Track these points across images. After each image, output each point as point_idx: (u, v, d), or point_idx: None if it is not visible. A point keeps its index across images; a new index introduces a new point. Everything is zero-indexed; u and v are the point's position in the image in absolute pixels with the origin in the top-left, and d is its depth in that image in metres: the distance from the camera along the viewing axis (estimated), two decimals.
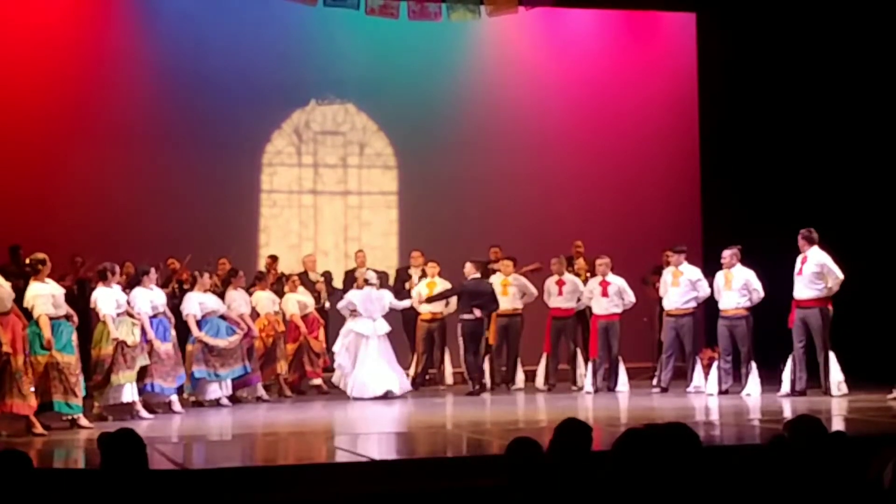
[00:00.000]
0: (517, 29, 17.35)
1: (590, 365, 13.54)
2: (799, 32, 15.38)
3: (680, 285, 13.14)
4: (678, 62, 17.49)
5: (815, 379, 12.01)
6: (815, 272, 11.89)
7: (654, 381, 13.35)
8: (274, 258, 15.11)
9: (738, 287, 12.53)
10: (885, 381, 11.54)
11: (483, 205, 16.44)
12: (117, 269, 11.35)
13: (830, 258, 11.89)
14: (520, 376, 14.20)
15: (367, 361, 13.17)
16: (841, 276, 11.83)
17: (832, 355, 11.87)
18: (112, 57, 15.75)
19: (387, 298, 13.63)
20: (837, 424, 9.38)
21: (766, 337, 12.64)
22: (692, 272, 13.22)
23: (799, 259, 12.03)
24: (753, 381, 12.36)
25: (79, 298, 12.68)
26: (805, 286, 11.94)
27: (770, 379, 12.36)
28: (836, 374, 11.84)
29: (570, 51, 17.32)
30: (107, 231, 14.79)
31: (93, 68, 15.62)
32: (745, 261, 12.68)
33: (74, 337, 10.26)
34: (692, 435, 4.10)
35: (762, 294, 12.49)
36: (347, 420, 11.38)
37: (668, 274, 13.35)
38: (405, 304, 13.99)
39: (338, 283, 15.44)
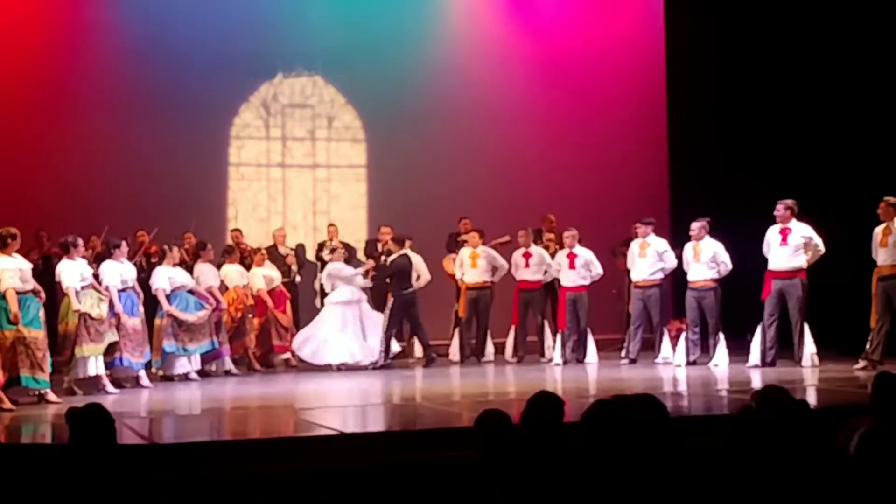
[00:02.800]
0: (485, 1, 17.32)
1: (558, 337, 13.60)
2: (766, 5, 15.42)
3: (647, 257, 13.20)
4: (646, 35, 17.50)
5: (784, 350, 12.08)
6: (800, 243, 11.92)
7: (623, 353, 13.41)
8: (238, 231, 15.04)
9: (706, 259, 12.58)
10: (853, 351, 11.63)
11: (453, 177, 16.43)
12: (80, 241, 11.24)
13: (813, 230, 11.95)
14: (489, 349, 14.22)
15: (330, 329, 13.32)
16: (823, 248, 11.89)
17: (806, 327, 11.94)
18: (79, 30, 15.59)
19: (346, 272, 13.73)
20: (805, 395, 9.45)
21: (733, 308, 12.70)
22: (659, 244, 13.27)
23: (775, 230, 12.01)
24: (721, 352, 12.44)
25: (44, 274, 12.59)
26: (788, 258, 11.95)
27: (738, 350, 12.45)
28: (809, 346, 11.90)
29: (539, 23, 17.29)
30: (73, 205, 14.69)
31: (59, 40, 15.46)
32: (714, 233, 12.73)
33: (41, 312, 10.20)
34: (660, 406, 4.12)
35: (730, 266, 12.55)
36: (316, 393, 11.36)
37: (635, 245, 13.40)
38: (364, 283, 13.96)
39: (309, 255, 15.46)
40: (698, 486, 3.84)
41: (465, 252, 14.14)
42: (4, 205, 14.04)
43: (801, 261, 11.97)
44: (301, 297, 14.77)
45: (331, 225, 15.47)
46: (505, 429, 4.43)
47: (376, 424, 9.11)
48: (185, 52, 15.68)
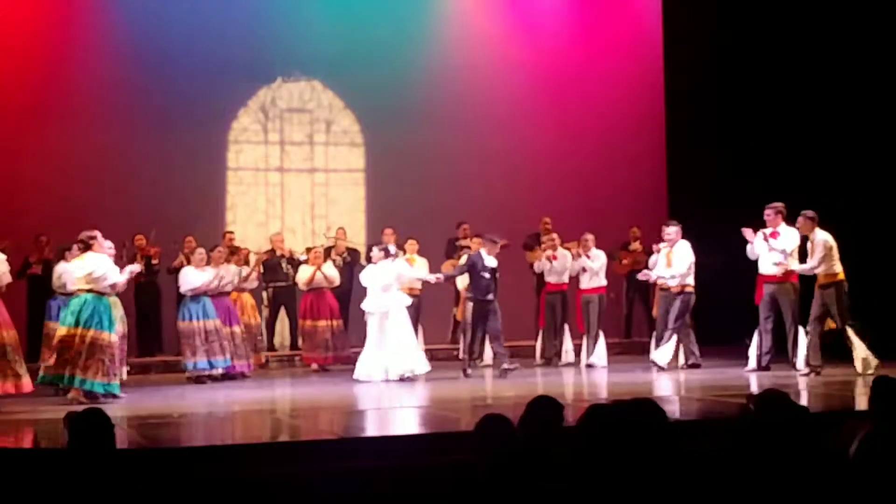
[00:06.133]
0: (483, 4, 17.35)
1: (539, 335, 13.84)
2: (764, 7, 15.43)
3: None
4: (644, 37, 17.52)
5: (780, 354, 12.07)
6: (786, 249, 11.92)
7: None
8: (231, 233, 15.04)
9: (676, 263, 12.62)
10: (843, 354, 11.65)
11: (451, 181, 16.44)
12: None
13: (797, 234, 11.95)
14: (488, 352, 14.20)
15: (379, 341, 12.29)
16: (789, 246, 11.86)
17: (801, 330, 11.93)
18: (77, 34, 15.61)
19: (402, 270, 12.86)
20: (802, 398, 9.45)
21: (730, 313, 12.69)
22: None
23: (766, 234, 12.01)
24: (666, 350, 12.50)
25: (44, 279, 12.64)
26: (774, 261, 11.96)
27: (736, 354, 12.43)
28: (803, 350, 11.87)
29: (537, 26, 17.31)
30: (72, 209, 14.66)
31: (58, 45, 15.47)
32: (711, 237, 12.74)
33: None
34: (659, 410, 4.11)
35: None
36: (316, 398, 11.35)
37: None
38: (421, 276, 13.32)
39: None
40: (697, 491, 3.84)
41: (465, 257, 14.13)
42: (3, 210, 14.08)
43: (791, 265, 11.96)
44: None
45: (339, 229, 15.41)
46: (506, 434, 4.43)
47: (375, 429, 9.11)
48: (183, 56, 15.69)
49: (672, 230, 12.72)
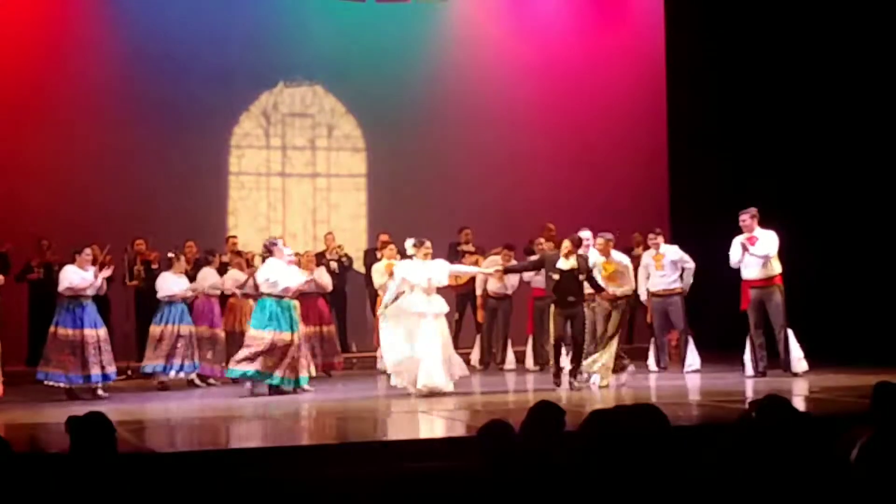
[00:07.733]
0: (485, 9, 17.37)
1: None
2: (766, 12, 15.45)
3: (664, 267, 13.18)
4: (646, 42, 17.52)
5: (771, 357, 12.05)
6: (766, 253, 11.94)
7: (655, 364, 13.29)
8: (234, 238, 15.03)
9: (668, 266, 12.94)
10: (843, 358, 11.63)
11: (453, 186, 16.44)
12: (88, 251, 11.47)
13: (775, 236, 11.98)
14: (510, 357, 14.18)
15: (431, 346, 11.06)
16: (772, 250, 11.90)
17: (790, 332, 11.92)
18: (78, 38, 15.62)
19: (446, 267, 11.69)
20: (804, 404, 9.44)
21: (727, 318, 12.71)
22: (672, 252, 13.22)
23: (744, 239, 11.99)
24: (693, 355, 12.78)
25: (46, 282, 12.65)
26: (758, 266, 11.96)
27: (731, 360, 12.42)
28: (795, 351, 11.87)
29: (539, 30, 17.32)
30: (74, 214, 14.70)
31: (58, 49, 15.48)
32: (712, 240, 12.77)
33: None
34: (661, 416, 4.11)
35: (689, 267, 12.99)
36: (318, 403, 11.31)
37: (648, 257, 13.31)
38: (471, 270, 13.04)
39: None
40: (698, 496, 3.84)
41: (492, 260, 14.06)
42: (5, 213, 14.09)
43: (774, 268, 11.96)
44: None
45: (328, 234, 15.43)
46: (508, 439, 4.43)
47: (378, 434, 9.11)
48: (185, 60, 15.70)
49: (587, 234, 12.67)
